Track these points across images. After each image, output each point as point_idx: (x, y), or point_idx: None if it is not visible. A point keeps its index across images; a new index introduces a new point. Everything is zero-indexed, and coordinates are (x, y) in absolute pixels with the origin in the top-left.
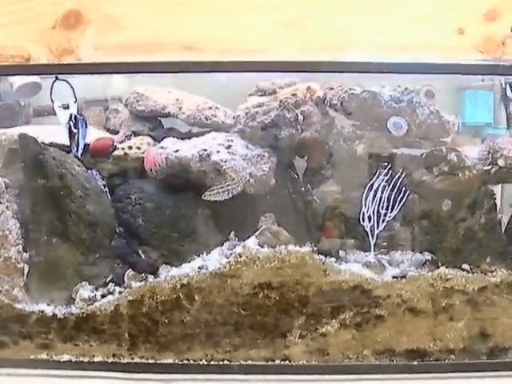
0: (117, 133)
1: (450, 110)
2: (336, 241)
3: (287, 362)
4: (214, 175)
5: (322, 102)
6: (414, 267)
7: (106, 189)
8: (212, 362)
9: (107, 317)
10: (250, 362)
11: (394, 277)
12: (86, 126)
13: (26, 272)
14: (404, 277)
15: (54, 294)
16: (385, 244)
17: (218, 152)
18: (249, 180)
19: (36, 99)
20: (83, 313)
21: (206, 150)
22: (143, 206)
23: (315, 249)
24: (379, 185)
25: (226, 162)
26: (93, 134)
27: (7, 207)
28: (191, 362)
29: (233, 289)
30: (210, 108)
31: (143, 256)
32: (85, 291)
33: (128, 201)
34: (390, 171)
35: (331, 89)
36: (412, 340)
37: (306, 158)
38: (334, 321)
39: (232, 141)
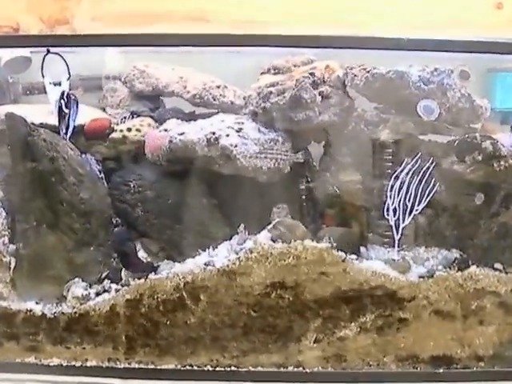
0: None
1: (478, 93)
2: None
3: (301, 368)
4: (222, 161)
5: (341, 83)
6: (442, 266)
7: (102, 175)
8: (218, 368)
9: (102, 317)
10: (259, 369)
11: (420, 276)
12: (77, 107)
13: (12, 266)
14: (431, 276)
15: (44, 291)
16: (408, 239)
17: (228, 136)
18: (261, 167)
19: (25, 76)
20: (75, 312)
21: (214, 134)
22: (143, 195)
23: (334, 244)
24: (405, 175)
25: (236, 146)
26: (88, 115)
27: None
28: (195, 367)
29: (242, 288)
30: (218, 87)
31: (142, 255)
32: (77, 288)
33: (126, 188)
34: (418, 160)
35: (352, 68)
36: (438, 346)
37: (322, 143)
38: (353, 324)
39: (243, 123)
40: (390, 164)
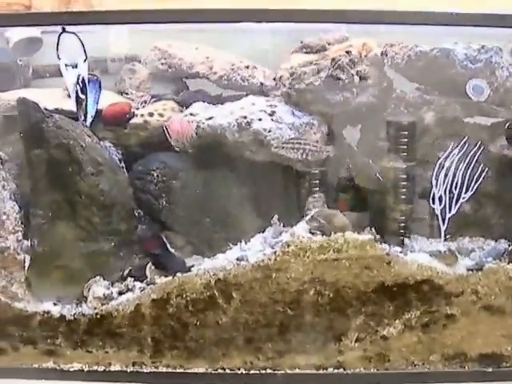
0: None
1: None
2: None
3: (341, 370)
4: (254, 147)
5: (380, 62)
6: (491, 257)
7: (123, 164)
8: (252, 371)
9: (126, 318)
10: (296, 371)
11: (468, 269)
12: (100, 89)
13: (26, 264)
14: (480, 269)
15: (62, 291)
16: (451, 229)
17: (260, 120)
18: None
19: (36, 58)
20: (97, 313)
21: (245, 118)
22: (167, 185)
23: (378, 237)
24: (452, 160)
25: (270, 131)
26: (106, 99)
27: (3, 187)
28: (227, 370)
29: (278, 285)
30: (247, 67)
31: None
32: (99, 288)
33: (149, 178)
34: (465, 144)
35: (392, 46)
36: (487, 343)
37: (359, 127)
38: (397, 321)
39: (275, 106)
40: (434, 149)
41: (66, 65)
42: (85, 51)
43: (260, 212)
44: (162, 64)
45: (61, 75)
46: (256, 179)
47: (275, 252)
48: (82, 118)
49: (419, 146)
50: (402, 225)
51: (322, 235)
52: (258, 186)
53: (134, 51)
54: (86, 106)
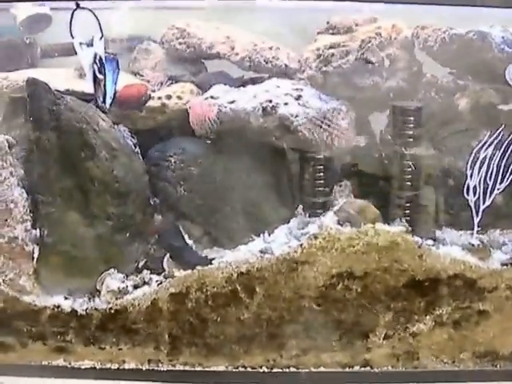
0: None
1: None
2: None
3: (368, 368)
4: (280, 133)
5: (410, 44)
6: None
7: (138, 149)
8: (275, 370)
9: (142, 313)
10: (321, 369)
11: (502, 264)
12: (119, 69)
13: (35, 256)
14: None
15: (73, 284)
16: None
17: (287, 104)
18: (325, 140)
19: (45, 36)
20: (111, 308)
21: (270, 102)
22: (186, 172)
23: (409, 228)
24: (487, 149)
25: (297, 116)
26: (121, 80)
27: (11, 173)
28: (248, 369)
29: (304, 279)
30: (270, 48)
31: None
32: (113, 281)
33: (166, 164)
34: (501, 132)
35: (424, 28)
36: None
37: (387, 112)
38: (427, 317)
39: (302, 90)
40: (470, 137)
41: (81, 43)
42: (101, 28)
43: (285, 202)
44: (180, 44)
45: (71, 54)
46: (280, 167)
47: (301, 244)
48: (101, 99)
49: (451, 134)
50: (433, 216)
51: (352, 227)
52: (281, 173)
53: (150, 30)
54: (104, 86)
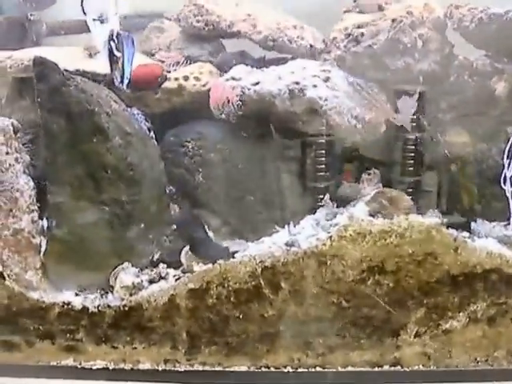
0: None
1: None
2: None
3: (398, 367)
4: (307, 117)
5: (443, 24)
6: None
7: (153, 134)
8: (300, 369)
9: (158, 310)
10: (349, 369)
11: None
12: (134, 46)
13: (43, 249)
14: None
15: (84, 280)
16: None
17: (315, 87)
18: (355, 125)
19: (50, 13)
20: (125, 305)
21: (298, 84)
22: (204, 158)
23: (445, 221)
24: None
25: (326, 100)
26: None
27: (16, 159)
28: (272, 368)
29: (333, 273)
30: (295, 27)
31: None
32: (127, 275)
33: (183, 150)
34: None
35: (458, 7)
36: None
37: (415, 96)
38: (461, 314)
39: (329, 71)
40: (504, 123)
41: (94, 19)
42: (116, 3)
43: (311, 191)
44: (198, 21)
45: (79, 32)
46: (306, 153)
47: (331, 237)
48: (119, 79)
49: (485, 120)
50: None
51: (384, 218)
52: (308, 160)
53: (161, 8)
54: (122, 65)
